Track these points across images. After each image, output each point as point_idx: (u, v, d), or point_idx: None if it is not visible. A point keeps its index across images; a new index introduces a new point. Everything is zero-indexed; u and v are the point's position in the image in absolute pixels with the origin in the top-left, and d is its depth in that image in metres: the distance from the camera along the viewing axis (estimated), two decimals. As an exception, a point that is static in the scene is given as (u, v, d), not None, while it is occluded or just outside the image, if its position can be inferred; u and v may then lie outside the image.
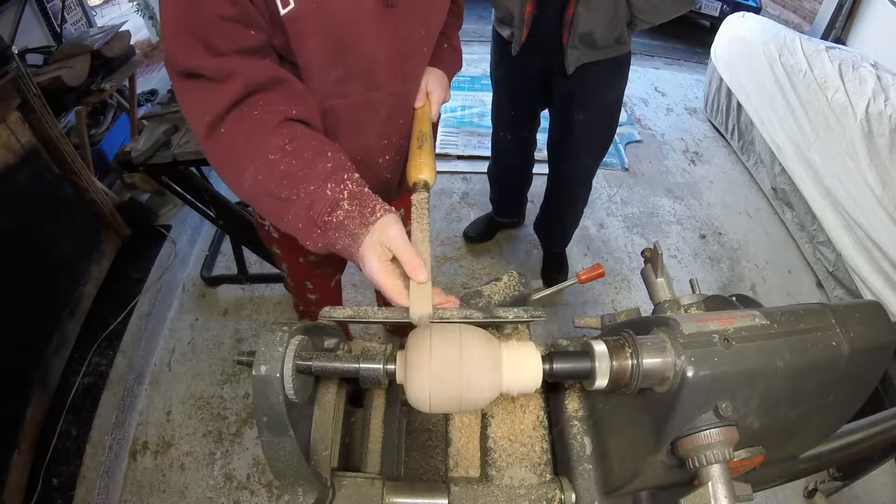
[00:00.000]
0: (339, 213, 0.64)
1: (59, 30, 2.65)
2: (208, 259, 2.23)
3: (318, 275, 1.22)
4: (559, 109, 1.72)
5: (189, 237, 2.37)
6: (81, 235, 1.92)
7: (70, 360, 1.77)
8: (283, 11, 0.68)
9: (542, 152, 1.91)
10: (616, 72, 1.59)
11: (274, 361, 0.47)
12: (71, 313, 1.80)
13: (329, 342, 0.60)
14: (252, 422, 1.73)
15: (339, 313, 0.60)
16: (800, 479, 0.83)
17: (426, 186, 0.77)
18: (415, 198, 0.74)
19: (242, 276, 2.07)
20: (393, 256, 0.63)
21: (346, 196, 0.65)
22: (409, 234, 0.67)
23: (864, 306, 0.53)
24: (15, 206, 1.62)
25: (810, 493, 1.56)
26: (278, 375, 0.46)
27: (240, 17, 0.65)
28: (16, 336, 1.56)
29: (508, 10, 1.47)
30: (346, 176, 0.67)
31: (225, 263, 2.23)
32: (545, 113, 1.87)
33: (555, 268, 2.23)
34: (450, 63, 0.99)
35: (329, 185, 0.65)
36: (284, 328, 0.49)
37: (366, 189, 0.67)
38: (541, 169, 2.07)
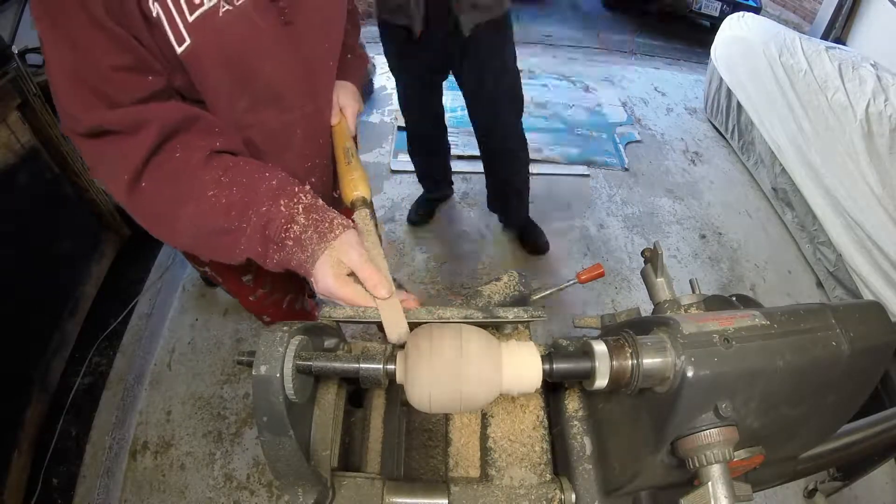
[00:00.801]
0: (295, 228, 0.63)
1: (59, 30, 2.64)
2: (208, 259, 2.23)
3: (269, 305, 1.20)
4: (466, 79, 1.86)
5: (189, 237, 2.37)
6: (81, 235, 1.92)
7: (70, 360, 1.77)
8: (179, 50, 0.63)
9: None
10: (502, 30, 1.76)
11: (274, 361, 0.47)
12: (71, 313, 1.80)
13: (329, 342, 0.60)
14: (252, 422, 1.73)
15: (339, 313, 0.60)
16: (800, 479, 0.83)
17: (364, 202, 0.74)
18: (356, 216, 0.71)
19: (242, 276, 2.07)
20: (349, 271, 0.62)
21: (300, 210, 0.64)
22: None
23: (864, 306, 0.53)
24: (15, 206, 1.62)
25: (810, 493, 1.56)
26: (278, 375, 0.46)
27: (133, 64, 0.61)
28: (16, 336, 1.56)
29: (404, 2, 1.59)
30: (296, 189, 0.66)
31: (225, 263, 2.23)
32: (453, 87, 1.99)
33: (533, 236, 2.33)
34: (356, 72, 0.97)
35: (282, 201, 0.64)
36: (284, 328, 0.49)
37: (320, 202, 0.66)
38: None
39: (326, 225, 0.64)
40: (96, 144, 0.63)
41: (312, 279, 0.64)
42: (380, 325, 0.59)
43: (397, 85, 2.04)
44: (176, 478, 1.61)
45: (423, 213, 2.50)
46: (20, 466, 1.47)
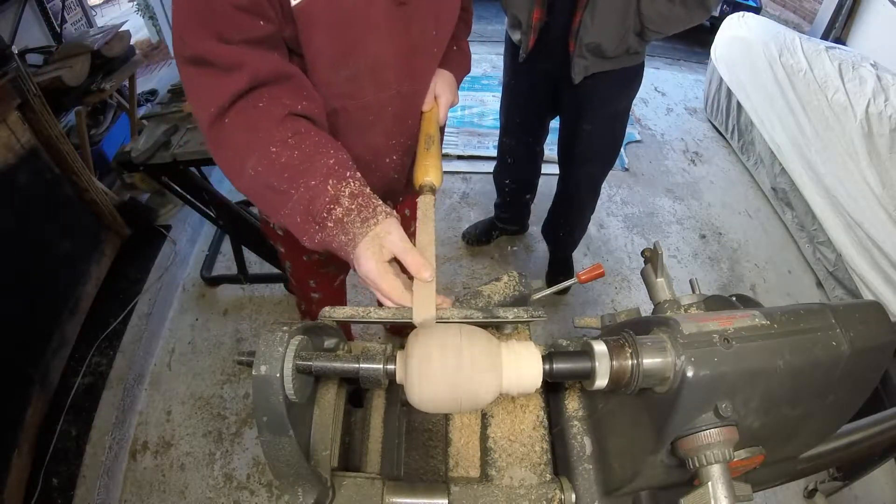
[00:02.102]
0: (338, 210, 0.64)
1: (59, 30, 2.65)
2: (208, 259, 2.23)
3: (321, 274, 1.22)
4: (567, 118, 1.70)
5: (189, 237, 2.37)
6: (81, 235, 1.92)
7: (70, 360, 1.77)
8: (294, 2, 0.67)
9: (552, 151, 1.92)
10: (626, 83, 1.56)
11: (274, 361, 0.47)
12: (71, 313, 1.80)
13: (329, 342, 0.60)
14: (252, 422, 1.73)
15: (339, 313, 0.60)
16: (800, 479, 0.83)
17: (432, 189, 0.77)
18: (421, 200, 0.74)
19: (242, 276, 2.07)
20: (391, 258, 0.63)
21: (346, 194, 0.64)
22: (413, 235, 0.67)
23: (864, 306, 0.53)
24: (15, 206, 1.62)
25: (810, 493, 1.56)
26: (278, 375, 0.46)
27: (251, 6, 0.65)
28: (16, 336, 1.56)
29: (516, 16, 1.45)
30: (348, 174, 0.66)
31: (225, 263, 2.23)
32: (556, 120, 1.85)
33: (560, 272, 2.22)
34: (458, 65, 0.99)
35: (331, 182, 0.65)
36: (284, 328, 0.49)
37: (367, 190, 0.67)
38: (551, 169, 2.06)
39: (370, 210, 0.64)
40: (195, 73, 0.67)
41: (354, 263, 0.64)
42: (386, 325, 0.60)
43: (501, 103, 1.89)
44: (176, 478, 1.61)
45: (480, 234, 2.36)
46: (20, 466, 1.47)
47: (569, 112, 1.67)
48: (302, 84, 0.73)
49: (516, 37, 1.54)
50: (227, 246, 2.20)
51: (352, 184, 0.66)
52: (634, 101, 1.79)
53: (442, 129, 0.96)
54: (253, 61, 0.66)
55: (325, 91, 0.78)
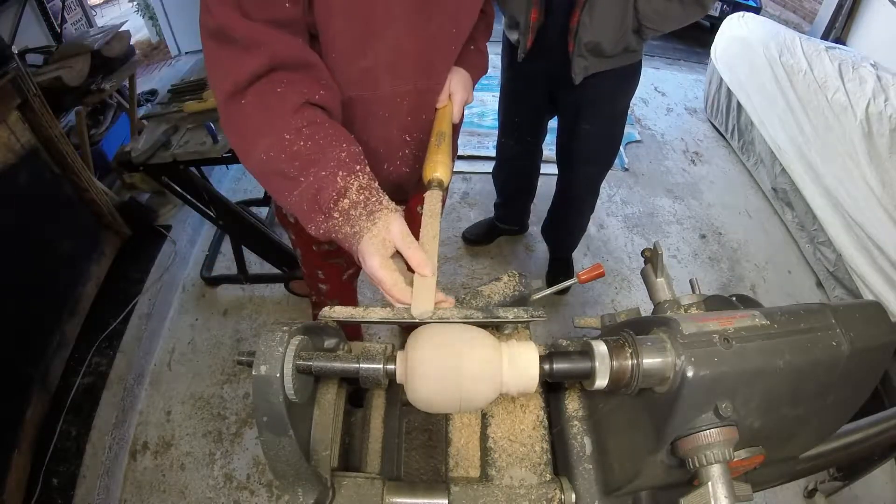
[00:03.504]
0: (345, 201, 0.64)
1: (59, 30, 2.64)
2: (208, 259, 2.23)
3: (329, 265, 1.22)
4: (565, 118, 1.69)
5: (189, 237, 2.37)
6: (81, 235, 1.92)
7: (70, 360, 1.77)
8: None
9: (552, 150, 1.91)
10: (624, 82, 1.55)
11: (274, 361, 0.47)
12: (71, 313, 1.80)
13: (329, 342, 0.60)
14: (252, 422, 1.73)
15: (339, 313, 0.60)
16: (800, 479, 0.83)
17: (440, 185, 0.78)
18: (427, 195, 0.75)
19: (242, 276, 2.07)
20: (394, 253, 0.63)
21: (355, 187, 0.65)
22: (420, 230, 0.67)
23: (864, 306, 0.53)
24: (15, 206, 1.62)
25: (810, 493, 1.56)
26: (278, 375, 0.46)
27: None
28: (16, 336, 1.56)
29: (514, 16, 1.44)
30: (357, 168, 0.67)
31: (225, 263, 2.23)
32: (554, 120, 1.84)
33: (560, 272, 2.22)
34: (475, 65, 0.98)
35: (340, 174, 0.65)
36: (284, 328, 0.49)
37: (375, 184, 0.68)
38: (551, 169, 2.06)
39: (376, 204, 0.65)
40: (216, 47, 0.67)
41: (359, 256, 0.65)
42: (397, 324, 0.60)
43: (499, 103, 1.88)
44: (176, 478, 1.61)
45: (480, 234, 2.36)
46: (20, 466, 1.47)
47: (567, 112, 1.66)
48: (321, 74, 0.74)
49: (514, 37, 1.53)
50: (227, 246, 2.20)
51: (361, 177, 0.66)
52: (634, 101, 1.79)
53: (457, 129, 0.97)
54: (274, 43, 0.67)
55: (341, 79, 0.78)
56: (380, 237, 0.63)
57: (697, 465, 0.46)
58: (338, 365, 0.51)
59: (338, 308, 0.60)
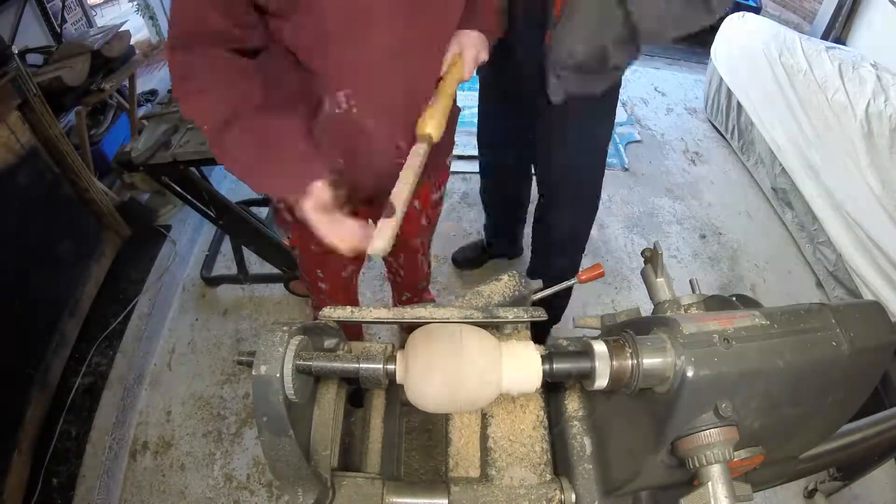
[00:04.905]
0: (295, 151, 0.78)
1: (59, 30, 2.64)
2: (208, 259, 2.22)
3: (328, 263, 1.22)
4: (539, 149, 1.50)
5: (189, 237, 2.36)
6: (81, 235, 1.92)
7: (70, 360, 1.77)
8: None
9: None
10: (602, 106, 1.34)
11: (274, 361, 0.47)
12: (71, 313, 1.80)
13: (329, 342, 0.60)
14: (252, 422, 1.73)
15: (339, 313, 0.60)
16: (800, 479, 0.83)
17: (428, 140, 0.84)
18: (413, 149, 0.83)
19: (242, 276, 2.07)
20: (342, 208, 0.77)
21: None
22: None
23: (864, 306, 0.53)
24: (15, 206, 1.62)
25: (810, 493, 1.56)
26: (278, 375, 0.46)
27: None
28: (16, 336, 1.56)
29: None
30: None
31: (225, 263, 2.23)
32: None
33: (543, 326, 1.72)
34: (483, 23, 0.95)
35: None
36: (284, 328, 0.49)
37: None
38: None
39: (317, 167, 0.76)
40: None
41: (300, 206, 0.75)
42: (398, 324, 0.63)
43: (478, 107, 1.70)
44: (176, 478, 1.61)
45: (470, 258, 2.20)
46: (20, 466, 1.47)
47: (540, 142, 1.46)
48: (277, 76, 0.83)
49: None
50: (227, 246, 2.19)
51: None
52: (634, 101, 1.74)
53: (452, 127, 1.02)
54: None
55: (332, 72, 0.82)
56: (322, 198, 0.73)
57: (697, 465, 0.46)
58: (338, 365, 0.51)
59: (338, 308, 0.60)
